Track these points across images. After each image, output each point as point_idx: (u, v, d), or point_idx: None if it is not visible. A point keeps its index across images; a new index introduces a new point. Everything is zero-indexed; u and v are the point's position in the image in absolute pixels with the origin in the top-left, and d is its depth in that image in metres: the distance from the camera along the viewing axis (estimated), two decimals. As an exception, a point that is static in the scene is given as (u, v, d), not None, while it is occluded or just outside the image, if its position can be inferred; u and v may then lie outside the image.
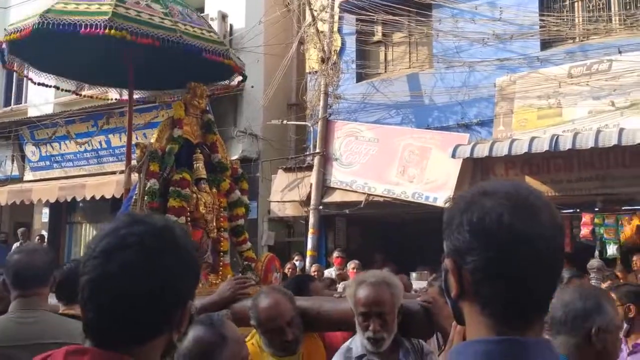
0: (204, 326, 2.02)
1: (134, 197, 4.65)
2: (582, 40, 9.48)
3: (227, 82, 5.66)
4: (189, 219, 4.41)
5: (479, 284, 1.07)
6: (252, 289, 3.10)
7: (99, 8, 4.39)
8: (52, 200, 13.58)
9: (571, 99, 8.96)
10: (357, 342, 2.68)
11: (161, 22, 4.52)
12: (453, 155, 9.13)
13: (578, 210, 8.48)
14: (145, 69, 5.16)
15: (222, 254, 4.62)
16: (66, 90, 6.24)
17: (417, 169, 10.03)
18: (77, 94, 6.25)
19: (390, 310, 2.56)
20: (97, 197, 12.49)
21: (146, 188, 4.48)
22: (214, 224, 4.60)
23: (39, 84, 5.63)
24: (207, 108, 4.91)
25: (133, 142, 5.32)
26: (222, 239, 4.64)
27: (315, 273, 8.82)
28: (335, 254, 10.11)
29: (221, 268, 4.55)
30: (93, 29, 4.23)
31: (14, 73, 15.63)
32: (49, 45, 4.91)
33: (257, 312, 2.71)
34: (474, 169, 9.42)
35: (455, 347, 1.15)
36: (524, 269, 1.05)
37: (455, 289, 1.11)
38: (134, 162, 4.71)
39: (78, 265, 3.21)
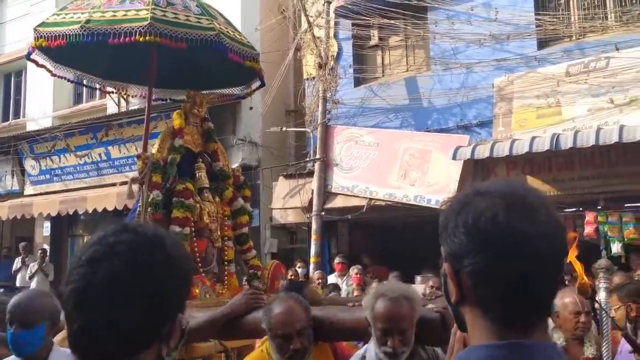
0: None
1: (138, 209, 4.61)
2: (578, 39, 9.46)
3: (243, 88, 5.61)
4: (193, 229, 4.37)
5: (479, 287, 1.04)
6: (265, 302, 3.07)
7: (136, 14, 4.35)
8: (54, 214, 13.55)
9: (570, 97, 8.93)
10: (371, 352, 2.64)
11: (198, 22, 4.49)
12: (454, 157, 9.09)
13: (581, 209, 8.43)
14: (164, 67, 5.08)
15: (226, 263, 4.57)
16: (86, 86, 6.13)
17: (418, 172, 9.99)
18: (100, 90, 6.13)
19: (410, 325, 2.53)
20: (99, 210, 12.45)
21: (149, 200, 4.43)
22: (219, 233, 4.56)
23: (59, 77, 5.49)
24: (207, 116, 4.85)
25: (130, 153, 5.27)
26: (226, 248, 4.59)
27: (319, 280, 8.78)
28: (337, 259, 10.08)
29: (226, 277, 4.50)
30: (132, 37, 4.20)
31: (11, 88, 15.57)
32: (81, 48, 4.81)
33: (270, 316, 2.69)
34: (475, 170, 9.39)
35: (459, 355, 1.12)
36: (523, 269, 1.01)
37: (455, 294, 1.08)
38: (134, 174, 4.67)
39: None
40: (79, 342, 1.09)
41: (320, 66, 11.00)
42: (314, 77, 11.30)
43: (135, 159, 4.72)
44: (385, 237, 11.71)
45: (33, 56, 4.89)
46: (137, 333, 1.09)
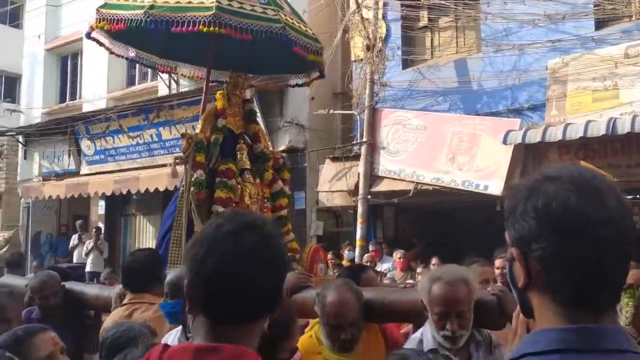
0: None
1: (182, 188, 4.63)
2: (638, 19, 8.99)
3: (301, 76, 5.53)
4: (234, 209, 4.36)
5: (549, 271, 1.04)
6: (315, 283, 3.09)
7: (201, 2, 4.26)
8: (108, 193, 13.87)
9: (628, 80, 8.51)
10: (428, 335, 2.61)
11: (263, 12, 4.42)
12: (504, 142, 8.85)
13: (638, 196, 8.06)
14: (222, 49, 5.04)
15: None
16: (144, 64, 6.08)
17: (467, 156, 9.77)
18: (157, 69, 6.11)
19: (468, 308, 2.51)
20: (151, 190, 12.67)
21: (193, 179, 4.44)
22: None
23: (117, 55, 5.47)
24: (249, 98, 4.81)
25: (179, 134, 5.27)
26: (266, 230, 4.56)
27: (368, 263, 8.71)
28: (371, 247, 9.96)
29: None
30: (196, 27, 4.13)
31: (68, 70, 15.94)
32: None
33: (324, 304, 2.69)
34: (526, 155, 9.11)
35: (527, 337, 1.11)
36: (594, 253, 1.02)
37: (523, 278, 1.08)
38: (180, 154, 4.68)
39: (145, 256, 3.33)
40: (218, 304, 1.24)
41: (368, 48, 10.83)
42: (361, 59, 11.14)
43: (181, 138, 4.73)
44: (432, 222, 11.57)
45: (93, 35, 4.86)
46: (266, 298, 1.26)
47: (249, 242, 1.24)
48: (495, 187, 9.17)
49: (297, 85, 5.90)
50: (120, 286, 3.77)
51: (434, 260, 8.03)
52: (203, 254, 1.25)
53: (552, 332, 1.03)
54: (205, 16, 4.12)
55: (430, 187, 10.01)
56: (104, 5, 4.72)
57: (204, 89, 4.97)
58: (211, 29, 4.10)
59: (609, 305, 1.05)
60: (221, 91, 4.68)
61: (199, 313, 1.27)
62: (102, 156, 14.57)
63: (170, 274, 3.06)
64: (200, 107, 5.15)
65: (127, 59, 5.55)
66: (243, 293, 1.23)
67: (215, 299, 1.24)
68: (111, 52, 5.23)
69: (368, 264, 8.58)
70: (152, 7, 4.29)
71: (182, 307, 2.82)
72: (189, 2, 4.28)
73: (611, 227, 1.02)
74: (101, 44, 5.01)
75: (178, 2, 4.32)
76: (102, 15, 4.58)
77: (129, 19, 4.37)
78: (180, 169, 4.56)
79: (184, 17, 4.18)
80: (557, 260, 1.03)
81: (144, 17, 4.25)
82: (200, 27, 4.10)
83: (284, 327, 2.38)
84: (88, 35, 4.91)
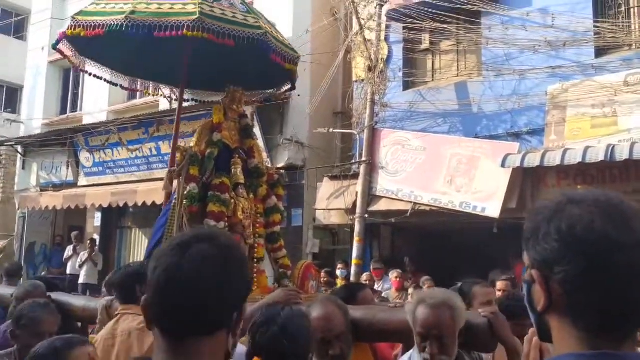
0: None
1: (174, 201, 4.59)
2: (638, 47, 9.02)
3: (273, 90, 5.56)
4: (226, 224, 4.32)
5: (571, 295, 1.03)
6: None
7: (183, 8, 4.26)
8: (105, 205, 13.84)
9: (627, 107, 8.51)
10: (415, 358, 2.60)
11: (245, 20, 4.42)
12: (503, 165, 8.83)
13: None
14: (196, 67, 5.05)
15: (256, 260, 4.50)
16: (119, 86, 6.12)
17: (465, 179, 9.74)
18: (126, 89, 6.13)
19: (450, 333, 2.46)
20: (148, 203, 12.63)
21: (186, 192, 4.41)
22: (251, 230, 4.50)
23: (94, 76, 5.48)
24: (245, 113, 4.80)
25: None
26: (257, 245, 4.53)
27: (367, 282, 8.63)
28: (373, 265, 9.91)
29: (256, 275, 4.43)
30: (180, 31, 4.11)
31: (70, 82, 15.97)
32: (111, 42, 4.78)
33: (310, 320, 2.63)
34: (525, 179, 9.08)
35: None
36: (621, 278, 1.00)
37: (543, 301, 1.07)
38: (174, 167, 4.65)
39: (135, 269, 3.32)
40: (167, 319, 1.21)
41: (369, 69, 10.86)
42: (363, 80, 11.17)
43: (176, 152, 4.70)
44: (428, 242, 11.51)
45: (61, 46, 4.83)
46: (217, 312, 1.21)
47: (197, 252, 1.21)
48: (492, 209, 9.13)
49: (265, 101, 5.88)
50: (108, 298, 3.72)
51: (424, 279, 7.98)
52: (153, 266, 1.25)
53: (572, 358, 1.02)
54: (189, 21, 4.10)
55: (428, 208, 9.97)
56: (80, 13, 4.66)
57: (178, 108, 4.96)
58: (195, 33, 4.08)
59: (631, 331, 1.04)
60: (218, 105, 4.68)
61: (153, 328, 1.24)
62: (101, 168, 14.56)
63: None
64: (201, 121, 5.13)
65: (91, 75, 5.51)
66: (189, 303, 1.18)
67: (164, 310, 1.21)
68: (76, 68, 5.20)
69: (367, 283, 8.51)
70: (133, 12, 4.27)
71: None
72: (171, 8, 4.28)
73: (637, 251, 1.00)
74: (65, 57, 4.95)
75: (160, 8, 4.30)
76: (77, 23, 4.50)
77: (107, 24, 4.30)
78: (174, 182, 4.53)
79: (167, 22, 4.16)
80: (580, 284, 1.01)
81: (124, 21, 4.21)
82: (185, 31, 4.08)
83: None
84: (55, 45, 4.86)
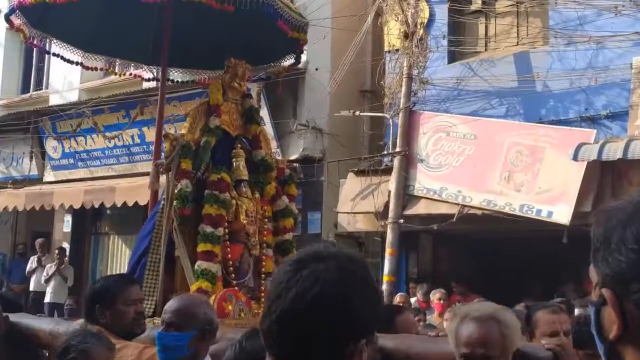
0: None
1: (162, 203, 4.64)
2: None
3: (274, 64, 5.58)
4: (226, 230, 4.36)
5: None
6: None
7: None
8: (77, 206, 13.98)
9: None
10: None
11: None
12: (574, 158, 8.78)
13: None
14: (182, 43, 5.12)
15: (264, 276, 4.54)
16: (92, 69, 6.29)
17: (527, 175, 9.70)
18: (105, 70, 6.27)
19: (499, 353, 2.49)
20: (129, 204, 12.74)
21: (176, 190, 4.46)
22: (257, 238, 4.53)
23: (62, 58, 5.63)
24: (249, 92, 4.84)
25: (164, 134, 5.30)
26: (265, 257, 4.56)
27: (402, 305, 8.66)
28: (420, 296, 9.91)
29: (263, 294, 4.46)
30: None
31: (33, 54, 16.17)
32: (71, 12, 4.87)
33: None
34: (603, 175, 9.02)
35: None
36: None
37: (616, 327, 1.06)
38: (162, 160, 4.70)
39: (100, 285, 3.43)
40: (270, 346, 1.38)
41: (406, 36, 10.85)
42: (397, 50, 11.17)
43: (163, 139, 4.76)
44: (479, 255, 11.47)
45: (13, 17, 4.93)
46: (324, 346, 1.33)
47: (311, 272, 1.36)
48: (561, 214, 9.08)
49: (263, 79, 5.89)
50: (82, 321, 3.77)
51: (475, 302, 7.95)
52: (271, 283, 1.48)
53: None
54: None
55: (479, 212, 9.94)
56: None
57: (160, 88, 5.00)
58: None
59: None
60: (215, 82, 4.71)
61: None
62: (71, 160, 14.71)
63: (177, 300, 3.14)
64: (195, 101, 5.17)
65: (48, 52, 5.64)
66: (292, 333, 1.34)
67: (271, 337, 1.38)
68: (28, 42, 5.31)
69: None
70: None
71: (192, 340, 2.95)
72: None
73: None
74: (19, 30, 5.06)
75: None
76: None
77: None
78: (162, 178, 4.58)
79: None
80: None
81: None
82: None
83: None
84: (7, 16, 4.95)
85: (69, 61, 5.69)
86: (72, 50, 5.64)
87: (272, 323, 1.36)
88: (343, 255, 1.41)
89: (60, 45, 5.49)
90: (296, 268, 1.39)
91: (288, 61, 5.45)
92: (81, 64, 5.84)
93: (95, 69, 6.26)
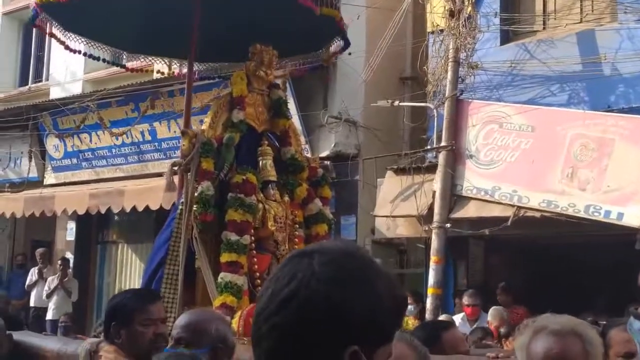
0: None
1: (180, 207, 4.68)
2: None
3: (319, 52, 5.61)
4: (253, 238, 4.39)
5: None
6: None
7: None
8: (81, 212, 14.10)
9: None
10: None
11: None
12: (648, 151, 8.73)
13: None
14: (206, 34, 5.17)
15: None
16: (105, 61, 6.40)
17: (593, 171, 9.64)
18: (120, 66, 6.40)
19: None
20: (139, 208, 12.85)
21: (197, 194, 4.49)
22: (287, 246, 4.55)
23: (72, 50, 5.74)
24: (277, 82, 4.87)
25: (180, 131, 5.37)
26: (296, 268, 4.58)
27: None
28: (467, 300, 9.86)
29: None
30: None
31: (32, 42, 16.37)
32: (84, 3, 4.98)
33: None
34: (682, 170, 8.95)
35: None
36: None
37: None
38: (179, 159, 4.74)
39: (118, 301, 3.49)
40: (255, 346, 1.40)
41: (451, 14, 10.81)
42: (442, 31, 11.13)
43: (181, 137, 4.80)
44: (537, 263, 11.41)
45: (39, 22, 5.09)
46: (313, 347, 1.35)
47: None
48: (633, 215, 9.01)
49: (315, 67, 5.92)
50: (92, 340, 3.83)
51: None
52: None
53: None
54: None
55: (538, 214, 9.89)
56: None
57: (187, 85, 5.05)
58: None
59: None
60: (239, 72, 4.74)
61: None
62: (75, 160, 14.83)
63: (188, 314, 3.19)
64: (213, 92, 5.23)
65: (85, 54, 5.76)
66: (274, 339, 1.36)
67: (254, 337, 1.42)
68: (67, 48, 5.44)
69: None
70: None
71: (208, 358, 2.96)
72: None
73: None
74: (51, 35, 5.19)
75: None
76: None
77: None
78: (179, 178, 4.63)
79: None
80: None
81: None
82: None
83: None
84: (33, 20, 5.08)
85: (78, 52, 5.78)
86: (93, 45, 5.77)
87: (253, 326, 1.40)
88: (337, 250, 1.43)
89: (67, 35, 5.59)
90: (282, 266, 1.44)
91: (335, 46, 5.45)
92: (92, 57, 5.94)
93: (127, 69, 6.32)
